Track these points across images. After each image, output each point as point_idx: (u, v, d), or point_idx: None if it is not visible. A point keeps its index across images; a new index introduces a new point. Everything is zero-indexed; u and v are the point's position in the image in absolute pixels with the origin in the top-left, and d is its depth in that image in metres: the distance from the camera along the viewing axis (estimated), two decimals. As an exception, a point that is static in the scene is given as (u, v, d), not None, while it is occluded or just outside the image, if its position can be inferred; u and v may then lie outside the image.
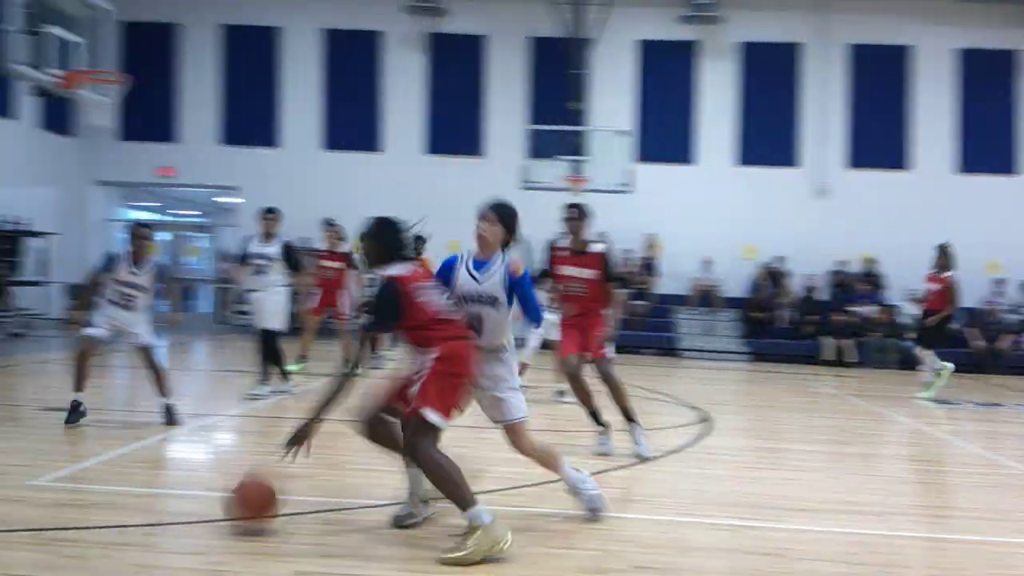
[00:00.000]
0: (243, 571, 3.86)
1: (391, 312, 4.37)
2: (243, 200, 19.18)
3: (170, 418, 7.24)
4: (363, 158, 19.51)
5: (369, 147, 19.53)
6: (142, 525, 4.51)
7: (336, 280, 10.84)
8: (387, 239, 4.58)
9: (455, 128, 19.40)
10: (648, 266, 18.34)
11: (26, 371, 11.32)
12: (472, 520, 4.14)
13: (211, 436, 7.48)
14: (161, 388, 7.32)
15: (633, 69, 19.35)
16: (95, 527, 4.41)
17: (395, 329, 4.53)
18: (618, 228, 18.54)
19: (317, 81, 19.61)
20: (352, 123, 19.53)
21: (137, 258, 7.30)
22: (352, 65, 19.58)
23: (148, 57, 18.92)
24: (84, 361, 7.14)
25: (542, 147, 17.29)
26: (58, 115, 18.48)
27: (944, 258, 11.20)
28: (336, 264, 10.90)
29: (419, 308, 4.36)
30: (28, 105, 17.30)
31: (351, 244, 10.68)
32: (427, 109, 19.52)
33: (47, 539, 4.19)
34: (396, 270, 4.43)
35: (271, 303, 9.02)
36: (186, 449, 6.93)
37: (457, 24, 19.42)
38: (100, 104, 10.81)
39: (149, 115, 19.05)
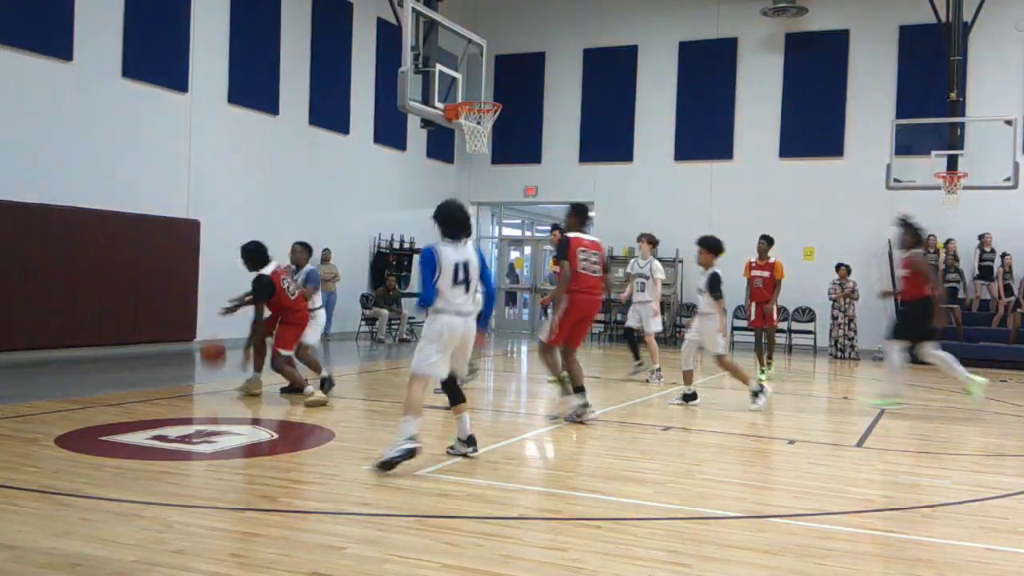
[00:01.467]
0: (599, 570, 3.99)
1: None
2: (594, 214, 19.93)
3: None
4: (715, 167, 19.38)
5: (721, 155, 19.35)
6: (508, 518, 4.87)
7: None
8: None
9: (812, 129, 18.58)
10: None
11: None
12: None
13: (569, 437, 7.84)
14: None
15: (1020, 51, 17.21)
16: (468, 517, 4.84)
17: None
18: (1001, 228, 16.63)
19: (671, 93, 19.83)
20: (704, 133, 19.48)
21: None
22: (705, 74, 19.53)
23: (517, 85, 20.39)
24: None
25: (912, 143, 16.00)
26: (440, 144, 20.57)
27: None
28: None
29: None
30: (415, 137, 19.44)
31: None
32: (782, 112, 18.91)
33: (429, 525, 4.68)
34: None
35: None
36: (546, 449, 7.33)
37: (818, 21, 18.60)
38: (477, 132, 11.80)
39: (518, 140, 20.51)
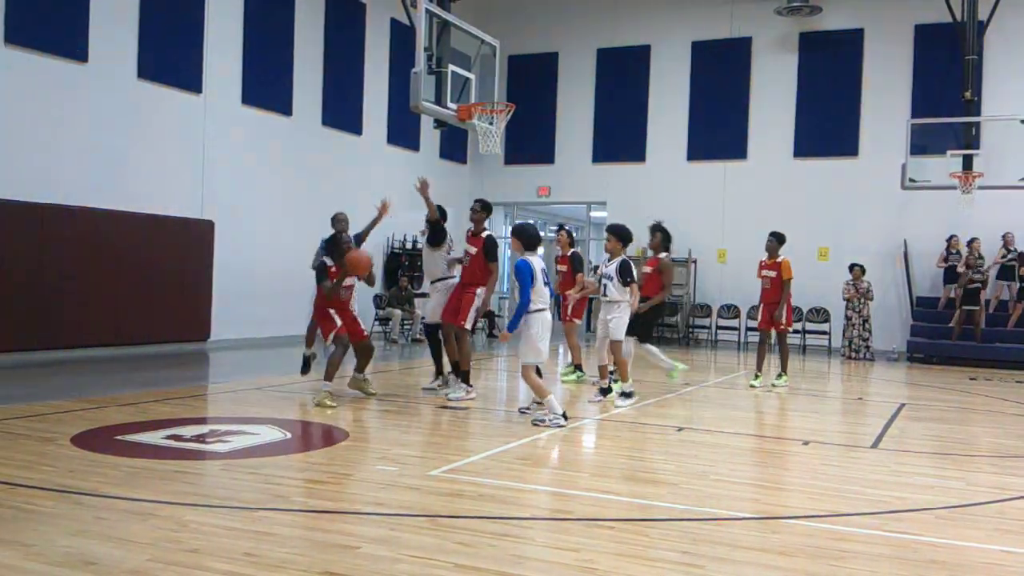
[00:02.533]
0: (612, 571, 3.99)
1: None
2: (606, 214, 20.00)
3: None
4: (728, 167, 19.34)
5: (735, 155, 19.31)
6: (522, 518, 4.87)
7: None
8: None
9: (826, 128, 18.52)
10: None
11: (425, 372, 12.67)
12: None
13: (582, 437, 7.84)
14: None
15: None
16: (480, 517, 4.84)
17: None
18: (1017, 227, 16.52)
19: (684, 93, 19.79)
20: (717, 132, 19.43)
21: None
22: (719, 74, 19.49)
23: (529, 86, 20.40)
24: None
25: (927, 142, 15.92)
26: (453, 145, 20.60)
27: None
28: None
29: None
30: (428, 137, 19.47)
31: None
32: (796, 111, 18.85)
33: (441, 525, 4.68)
34: None
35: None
36: (559, 449, 7.33)
37: (832, 20, 18.53)
38: (490, 133, 11.79)
39: (530, 140, 20.51)
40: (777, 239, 11.38)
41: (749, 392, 10.91)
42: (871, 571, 4.12)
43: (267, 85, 15.61)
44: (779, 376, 11.31)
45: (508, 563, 4.06)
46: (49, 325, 11.77)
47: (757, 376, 11.38)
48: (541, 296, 7.70)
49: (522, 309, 7.68)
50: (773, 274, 11.21)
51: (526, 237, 7.90)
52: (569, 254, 11.27)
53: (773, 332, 11.35)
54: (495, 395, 10.59)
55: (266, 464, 6.02)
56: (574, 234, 12.53)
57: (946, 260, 17.02)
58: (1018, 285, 16.46)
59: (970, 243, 16.54)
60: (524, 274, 7.64)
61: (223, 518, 4.68)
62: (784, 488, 6.06)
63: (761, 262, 11.54)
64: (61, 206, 11.99)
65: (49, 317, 11.77)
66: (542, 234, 9.62)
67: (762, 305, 11.46)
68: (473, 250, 9.35)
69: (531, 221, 8.05)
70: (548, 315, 7.77)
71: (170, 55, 13.75)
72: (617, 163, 20.31)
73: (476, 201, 9.89)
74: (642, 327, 9.93)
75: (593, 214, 21.89)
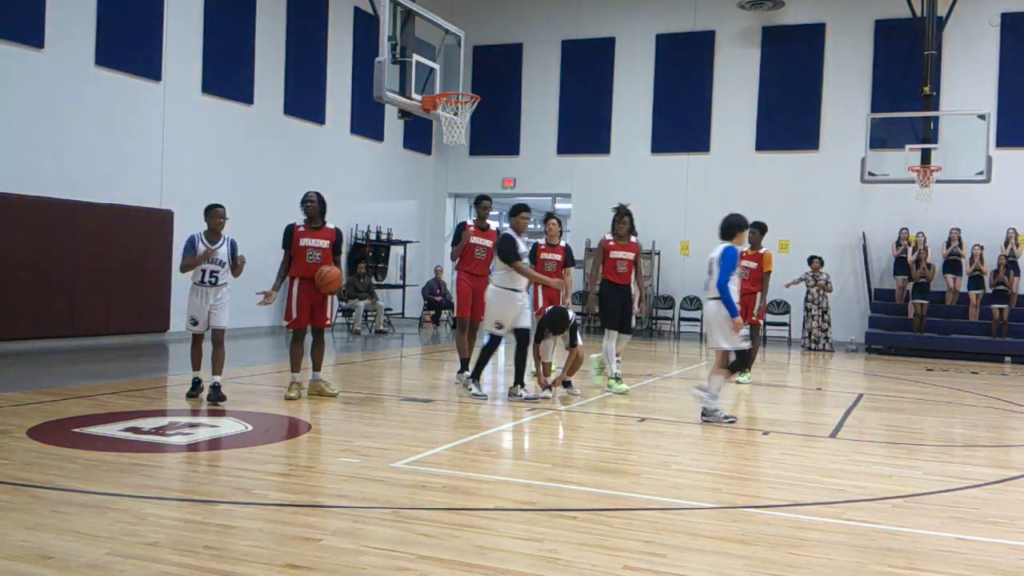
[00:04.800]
0: (575, 561, 4.01)
1: None
2: (571, 206, 20.06)
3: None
4: (691, 159, 19.47)
5: (698, 148, 19.44)
6: (485, 509, 4.87)
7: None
8: None
9: (788, 122, 18.70)
10: (1010, 264, 16.38)
11: (389, 364, 12.65)
12: None
13: (546, 428, 7.86)
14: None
15: (994, 47, 17.40)
16: (444, 508, 4.84)
17: None
18: (973, 222, 16.84)
19: (648, 86, 19.87)
20: (681, 125, 19.55)
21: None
22: (682, 67, 19.59)
23: (494, 77, 20.36)
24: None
25: (886, 137, 16.16)
26: (417, 136, 20.51)
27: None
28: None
29: None
30: (392, 128, 19.36)
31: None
32: (758, 105, 19.01)
33: (404, 516, 4.67)
34: None
35: None
36: (523, 440, 7.35)
37: (794, 15, 18.71)
38: (455, 123, 11.74)
39: (495, 131, 20.47)
40: (760, 230, 11.10)
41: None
42: (829, 559, 4.18)
43: (228, 73, 15.40)
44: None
45: (472, 554, 4.07)
46: (4, 316, 11.53)
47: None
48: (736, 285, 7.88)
49: (728, 296, 7.73)
50: (754, 265, 10.91)
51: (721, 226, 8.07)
52: (564, 244, 10.67)
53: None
54: (459, 387, 10.56)
55: (227, 457, 5.96)
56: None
57: (896, 251, 17.40)
58: (964, 279, 16.83)
59: (916, 237, 16.93)
60: (732, 262, 7.81)
61: (183, 511, 4.63)
62: (744, 477, 6.13)
63: (741, 252, 11.30)
64: (16, 195, 11.74)
65: (4, 308, 11.53)
66: (506, 225, 9.58)
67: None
68: (488, 243, 9.48)
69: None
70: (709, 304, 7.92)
71: (129, 42, 13.51)
72: (582, 155, 20.36)
73: (486, 197, 9.97)
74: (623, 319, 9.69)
75: (558, 206, 21.92)
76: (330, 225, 8.61)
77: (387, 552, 4.03)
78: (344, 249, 8.98)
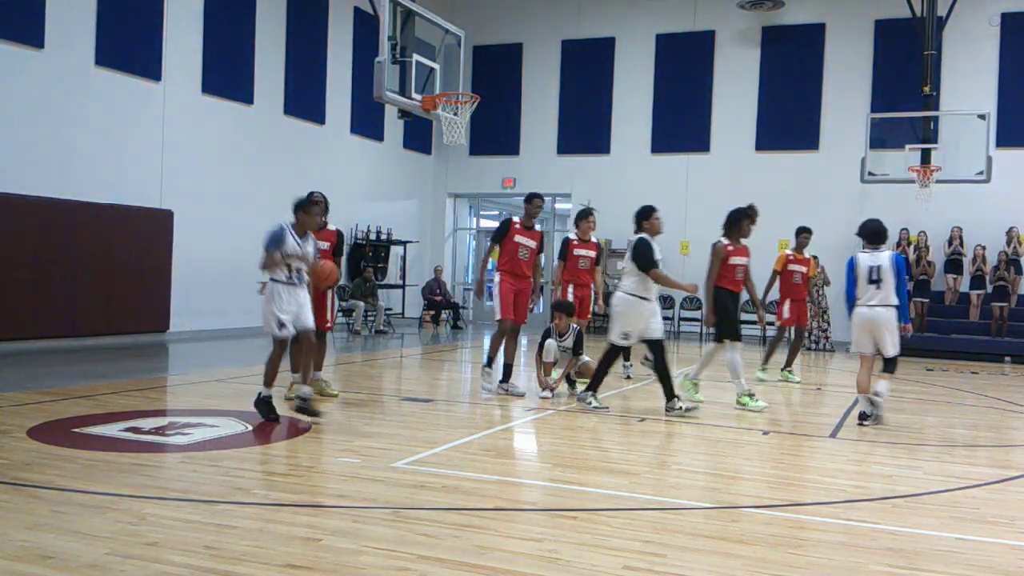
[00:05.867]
0: (575, 561, 4.01)
1: None
2: (571, 206, 20.05)
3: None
4: (691, 159, 19.47)
5: (698, 148, 19.44)
6: (485, 509, 4.87)
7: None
8: None
9: (788, 123, 18.71)
10: (1011, 263, 16.39)
11: (389, 364, 12.65)
12: None
13: (546, 428, 7.85)
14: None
15: (994, 47, 17.40)
16: (444, 508, 4.84)
17: None
18: (973, 222, 16.84)
19: (648, 86, 19.88)
20: (681, 125, 19.55)
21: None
22: (682, 67, 19.60)
23: (494, 77, 20.37)
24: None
25: (886, 137, 16.16)
26: (417, 136, 20.52)
27: None
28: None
29: None
30: (392, 128, 19.37)
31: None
32: (758, 105, 19.01)
33: (404, 517, 4.66)
34: None
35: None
36: (523, 440, 7.35)
37: (794, 15, 18.71)
38: (455, 123, 11.74)
39: (495, 131, 20.48)
40: (810, 233, 11.26)
41: (726, 384, 11.00)
42: (829, 559, 4.18)
43: (228, 73, 15.40)
44: (784, 370, 11.34)
45: (471, 554, 4.06)
46: (4, 316, 11.53)
47: (764, 368, 11.35)
48: (863, 293, 8.03)
49: (849, 302, 8.20)
50: (804, 269, 11.01)
51: (867, 231, 8.31)
52: (596, 241, 10.34)
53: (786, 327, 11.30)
54: (459, 387, 10.58)
55: (227, 456, 5.96)
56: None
57: (896, 251, 17.44)
58: (964, 278, 16.83)
59: (918, 236, 16.94)
60: (849, 270, 8.17)
61: (183, 511, 4.63)
62: (744, 477, 6.13)
63: (788, 255, 11.23)
64: (16, 195, 11.74)
65: (4, 308, 11.53)
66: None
67: (789, 300, 11.23)
68: (532, 244, 9.15)
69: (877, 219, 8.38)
70: (866, 312, 8.03)
71: (129, 42, 13.51)
72: (582, 155, 20.36)
73: (538, 196, 9.35)
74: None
75: (558, 206, 21.93)
76: (331, 226, 8.55)
77: (387, 552, 4.03)
78: (344, 251, 8.76)
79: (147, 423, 7.03)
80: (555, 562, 3.99)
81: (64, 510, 4.53)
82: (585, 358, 9.43)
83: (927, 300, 16.62)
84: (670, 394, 8.24)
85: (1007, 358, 15.74)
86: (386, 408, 8.48)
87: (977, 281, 16.65)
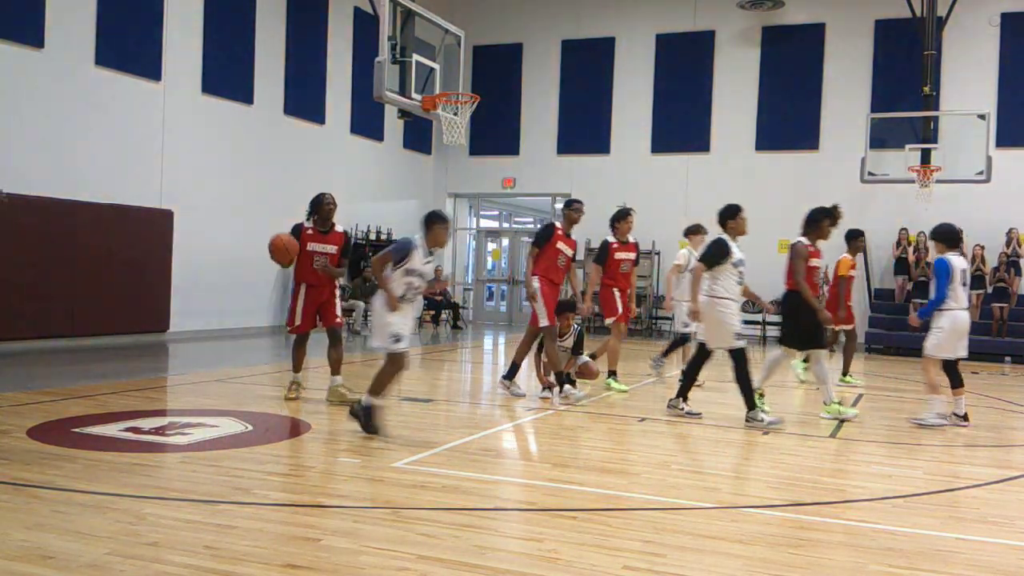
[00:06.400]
0: (574, 561, 4.01)
1: None
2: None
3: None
4: (691, 159, 19.47)
5: (698, 148, 19.44)
6: (485, 509, 4.87)
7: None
8: None
9: (788, 122, 18.70)
10: (1011, 264, 16.39)
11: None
12: None
13: (546, 428, 7.85)
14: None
15: (994, 47, 17.39)
16: (444, 508, 4.84)
17: None
18: (973, 221, 16.82)
19: (648, 86, 19.88)
20: (681, 125, 19.55)
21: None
22: (682, 67, 19.60)
23: (494, 77, 20.36)
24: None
25: (886, 137, 16.16)
26: (417, 136, 20.52)
27: None
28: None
29: None
30: (392, 128, 19.37)
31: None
32: (758, 105, 19.01)
33: (404, 517, 4.66)
34: None
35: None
36: (523, 440, 7.35)
37: (794, 15, 18.71)
38: (455, 123, 11.73)
39: (495, 131, 20.48)
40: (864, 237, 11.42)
41: (726, 384, 11.00)
42: (829, 559, 4.18)
43: (228, 73, 15.40)
44: (844, 376, 11.44)
45: (471, 554, 4.06)
46: (4, 316, 11.53)
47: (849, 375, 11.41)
48: (958, 296, 8.05)
49: (934, 305, 8.13)
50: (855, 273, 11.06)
51: (946, 235, 8.27)
52: (635, 242, 10.14)
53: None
54: (458, 387, 10.58)
55: (227, 456, 5.96)
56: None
57: (896, 250, 17.42)
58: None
59: (918, 236, 16.95)
60: (942, 274, 8.06)
61: (183, 511, 4.63)
62: (744, 477, 6.13)
63: (851, 260, 11.20)
64: (16, 195, 11.73)
65: (4, 308, 11.53)
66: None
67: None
68: (571, 252, 9.03)
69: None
70: (963, 315, 8.10)
71: (129, 42, 13.51)
72: (582, 155, 20.36)
73: (579, 201, 9.30)
74: None
75: (558, 206, 21.92)
76: (339, 228, 8.44)
77: (387, 552, 4.02)
78: (350, 252, 8.65)
79: (147, 423, 7.03)
80: (555, 562, 3.99)
81: (64, 510, 4.53)
82: (585, 358, 9.43)
83: (927, 301, 16.59)
84: (749, 404, 7.84)
85: (1007, 358, 15.73)
86: (386, 408, 8.46)
87: (977, 281, 16.65)
